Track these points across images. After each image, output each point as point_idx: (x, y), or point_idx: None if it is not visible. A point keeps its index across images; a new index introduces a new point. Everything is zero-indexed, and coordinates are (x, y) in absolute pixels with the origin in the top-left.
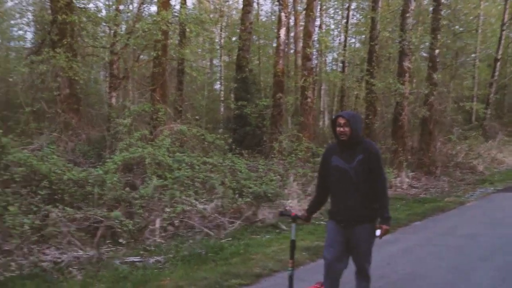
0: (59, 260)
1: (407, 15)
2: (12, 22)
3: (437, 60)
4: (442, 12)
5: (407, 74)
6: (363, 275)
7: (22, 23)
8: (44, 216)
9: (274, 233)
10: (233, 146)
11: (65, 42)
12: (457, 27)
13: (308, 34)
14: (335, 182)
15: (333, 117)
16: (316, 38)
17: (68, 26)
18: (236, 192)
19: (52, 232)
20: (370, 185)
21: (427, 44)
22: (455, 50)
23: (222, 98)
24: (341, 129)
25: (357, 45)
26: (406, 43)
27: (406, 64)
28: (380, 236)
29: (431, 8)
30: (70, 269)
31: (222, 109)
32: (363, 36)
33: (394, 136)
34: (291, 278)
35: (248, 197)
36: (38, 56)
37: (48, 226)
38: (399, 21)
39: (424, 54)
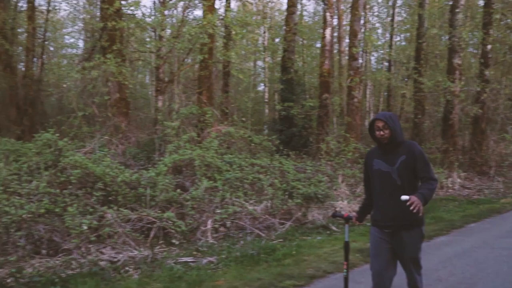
0: (115, 260)
1: (457, 10)
2: (64, 30)
3: (489, 56)
4: (494, 6)
5: (457, 72)
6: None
7: (74, 31)
8: (100, 217)
9: (325, 234)
10: (280, 148)
11: (115, 48)
12: (509, 20)
13: (354, 33)
14: (378, 187)
15: (370, 121)
16: (361, 37)
17: (117, 32)
18: (286, 193)
19: (108, 232)
20: (416, 187)
21: (476, 40)
22: (509, 44)
23: (266, 100)
24: (381, 132)
25: (403, 43)
26: (456, 39)
27: (456, 61)
28: (410, 202)
29: (482, 2)
30: (127, 268)
31: (266, 110)
32: (408, 34)
33: (444, 136)
34: (346, 280)
35: (298, 199)
36: (90, 62)
37: (104, 227)
38: (448, 17)
39: (474, 51)
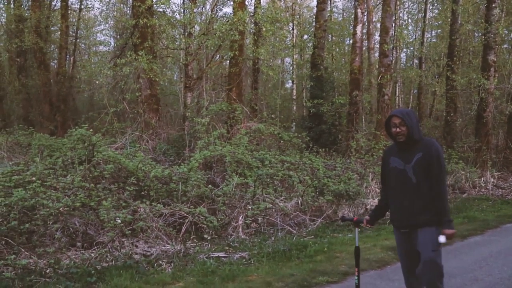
0: (148, 253)
1: (493, 5)
2: (95, 29)
3: None
4: None
5: (492, 68)
6: None
7: (106, 29)
8: (133, 211)
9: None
10: (310, 145)
11: (146, 45)
12: None
13: (385, 30)
14: (394, 185)
15: (387, 117)
16: (392, 34)
17: (149, 29)
18: (317, 190)
19: (142, 226)
20: (431, 186)
21: None
22: None
23: (294, 97)
24: (397, 129)
25: (434, 40)
26: (492, 35)
27: (491, 57)
28: (446, 241)
29: None
30: (160, 262)
31: (294, 107)
32: (440, 30)
33: (477, 134)
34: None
35: (329, 196)
36: (122, 59)
37: (138, 221)
38: (483, 13)
39: (510, 47)
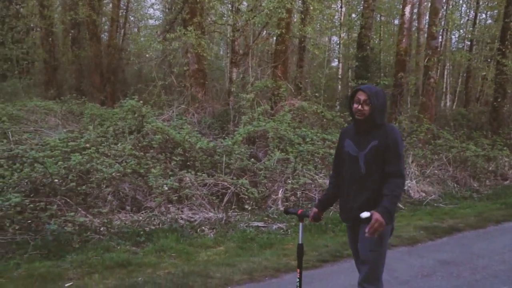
0: (192, 220)
1: None
2: (144, 3)
3: None
4: None
5: None
6: None
7: (157, 3)
8: (179, 180)
9: None
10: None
11: (195, 21)
12: None
13: (434, 11)
14: (344, 172)
15: (352, 91)
16: (442, 15)
17: (198, 5)
18: None
19: (187, 194)
20: (383, 180)
21: None
22: None
23: (339, 76)
24: (359, 106)
25: (488, 21)
26: None
27: None
28: (369, 229)
29: None
30: (203, 227)
31: (339, 87)
32: (495, 11)
33: None
34: None
35: None
36: (171, 34)
37: (183, 189)
38: None
39: None
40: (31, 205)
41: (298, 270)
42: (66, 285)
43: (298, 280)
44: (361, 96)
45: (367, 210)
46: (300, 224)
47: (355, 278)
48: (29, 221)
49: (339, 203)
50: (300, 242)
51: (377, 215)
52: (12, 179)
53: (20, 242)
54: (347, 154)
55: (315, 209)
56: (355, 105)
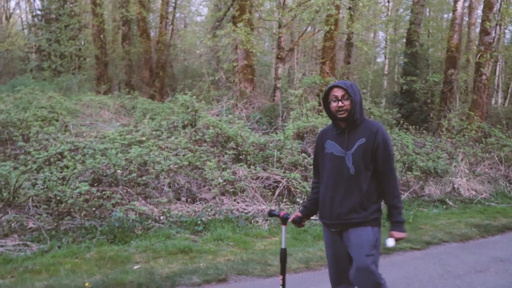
0: (246, 211)
1: None
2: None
3: None
4: None
5: None
6: None
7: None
8: (233, 173)
9: (441, 208)
10: (400, 121)
11: (245, 17)
12: None
13: (488, 6)
14: (327, 175)
15: (326, 90)
16: (496, 9)
17: (247, 2)
18: (405, 165)
19: (242, 186)
20: (372, 180)
21: None
22: None
23: (386, 72)
24: (339, 103)
25: None
26: None
27: None
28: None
29: None
30: (256, 219)
31: (385, 83)
32: None
33: None
34: None
35: (416, 171)
36: (221, 30)
37: (237, 182)
38: None
39: None
40: (98, 194)
41: (281, 277)
42: (135, 267)
43: (281, 286)
44: (338, 93)
45: (356, 216)
46: (283, 227)
47: None
48: (94, 209)
49: (324, 209)
50: (283, 247)
51: (397, 234)
52: (77, 169)
53: (88, 227)
54: (330, 156)
55: (298, 213)
56: (334, 104)
